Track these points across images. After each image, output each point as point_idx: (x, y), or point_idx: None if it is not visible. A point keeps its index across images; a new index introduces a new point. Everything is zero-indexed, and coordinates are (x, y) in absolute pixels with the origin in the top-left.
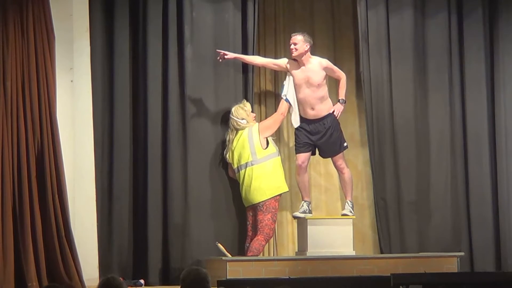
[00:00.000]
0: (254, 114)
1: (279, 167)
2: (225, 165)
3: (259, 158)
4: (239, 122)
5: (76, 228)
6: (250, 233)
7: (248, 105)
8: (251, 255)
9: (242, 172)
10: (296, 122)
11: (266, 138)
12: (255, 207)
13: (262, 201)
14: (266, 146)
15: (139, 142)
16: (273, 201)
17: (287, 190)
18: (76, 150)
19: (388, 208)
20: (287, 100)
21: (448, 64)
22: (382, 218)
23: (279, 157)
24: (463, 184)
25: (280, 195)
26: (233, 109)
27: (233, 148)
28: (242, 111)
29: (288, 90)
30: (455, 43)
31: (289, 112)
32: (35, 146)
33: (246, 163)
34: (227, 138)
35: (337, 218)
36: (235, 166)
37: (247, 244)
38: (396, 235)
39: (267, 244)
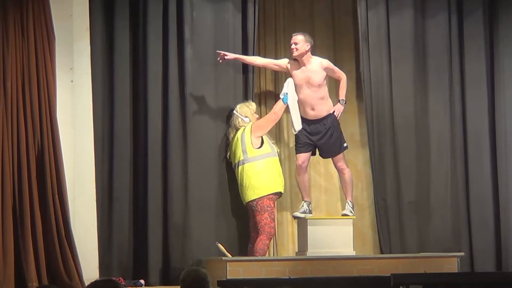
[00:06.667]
0: (257, 115)
1: (275, 167)
2: (225, 165)
3: (250, 157)
4: (242, 119)
5: (76, 228)
6: (252, 234)
7: (253, 105)
8: (258, 256)
9: (236, 170)
10: (298, 125)
11: (261, 138)
12: (252, 208)
13: (255, 200)
14: (259, 145)
15: (139, 142)
16: (266, 199)
17: (281, 190)
18: (76, 150)
19: (388, 208)
20: (283, 100)
21: (448, 64)
22: (382, 218)
23: (276, 157)
24: (463, 184)
25: (274, 194)
26: (238, 106)
27: (230, 147)
28: (246, 109)
29: (288, 91)
30: (455, 43)
31: (286, 112)
32: (35, 146)
33: (239, 162)
34: (229, 138)
35: (337, 218)
36: (233, 165)
37: (250, 245)
38: (396, 235)
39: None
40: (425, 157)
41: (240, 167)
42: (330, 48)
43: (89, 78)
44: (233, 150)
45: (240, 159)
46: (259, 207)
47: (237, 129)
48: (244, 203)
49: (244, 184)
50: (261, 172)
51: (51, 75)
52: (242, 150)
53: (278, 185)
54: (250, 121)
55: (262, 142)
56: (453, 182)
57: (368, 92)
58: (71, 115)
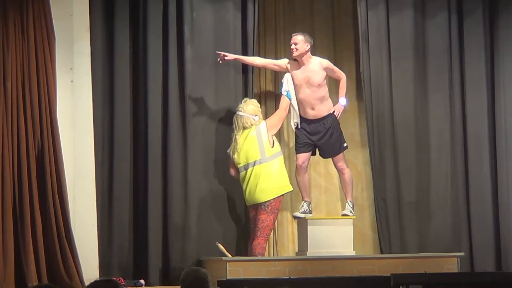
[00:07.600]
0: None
1: (283, 166)
2: (225, 165)
3: (267, 157)
4: (252, 118)
5: (76, 228)
6: (252, 235)
7: (255, 101)
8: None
9: (249, 170)
10: (297, 122)
11: (272, 136)
12: (257, 207)
13: (268, 201)
14: (272, 144)
15: (139, 142)
16: (278, 201)
17: (292, 189)
18: (76, 150)
19: (388, 208)
20: (288, 96)
21: (448, 64)
22: (382, 218)
23: (282, 156)
24: (463, 184)
25: (283, 195)
26: (242, 107)
27: (239, 148)
28: (253, 107)
29: (288, 87)
30: (455, 43)
31: (289, 112)
32: (35, 146)
33: (254, 162)
34: (233, 138)
35: (337, 218)
36: (242, 165)
37: (251, 246)
38: (396, 235)
39: (267, 244)
40: (425, 157)
41: (256, 167)
42: (330, 48)
43: (89, 78)
44: (245, 150)
45: (257, 158)
46: (269, 208)
47: (244, 129)
48: (251, 204)
49: (259, 185)
50: (276, 172)
51: (51, 75)
52: (260, 150)
53: (288, 185)
54: (260, 118)
55: (273, 140)
56: (453, 182)
57: (368, 92)
58: (71, 115)
